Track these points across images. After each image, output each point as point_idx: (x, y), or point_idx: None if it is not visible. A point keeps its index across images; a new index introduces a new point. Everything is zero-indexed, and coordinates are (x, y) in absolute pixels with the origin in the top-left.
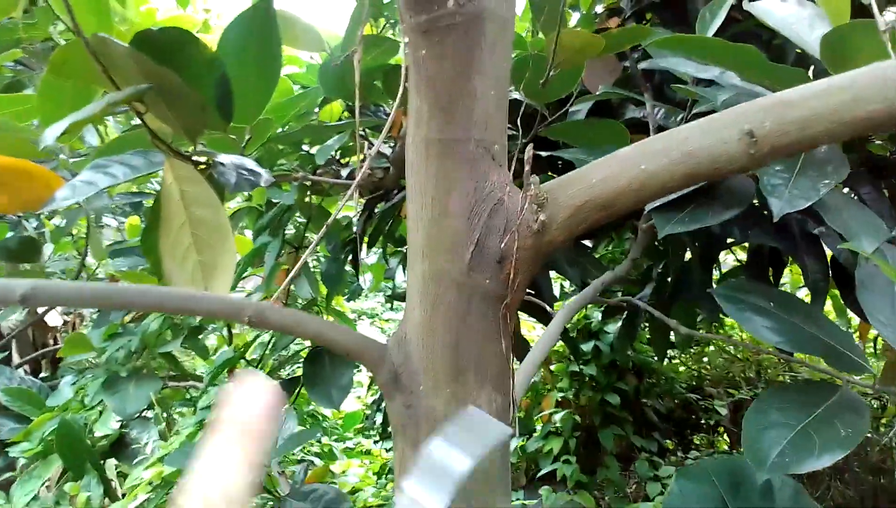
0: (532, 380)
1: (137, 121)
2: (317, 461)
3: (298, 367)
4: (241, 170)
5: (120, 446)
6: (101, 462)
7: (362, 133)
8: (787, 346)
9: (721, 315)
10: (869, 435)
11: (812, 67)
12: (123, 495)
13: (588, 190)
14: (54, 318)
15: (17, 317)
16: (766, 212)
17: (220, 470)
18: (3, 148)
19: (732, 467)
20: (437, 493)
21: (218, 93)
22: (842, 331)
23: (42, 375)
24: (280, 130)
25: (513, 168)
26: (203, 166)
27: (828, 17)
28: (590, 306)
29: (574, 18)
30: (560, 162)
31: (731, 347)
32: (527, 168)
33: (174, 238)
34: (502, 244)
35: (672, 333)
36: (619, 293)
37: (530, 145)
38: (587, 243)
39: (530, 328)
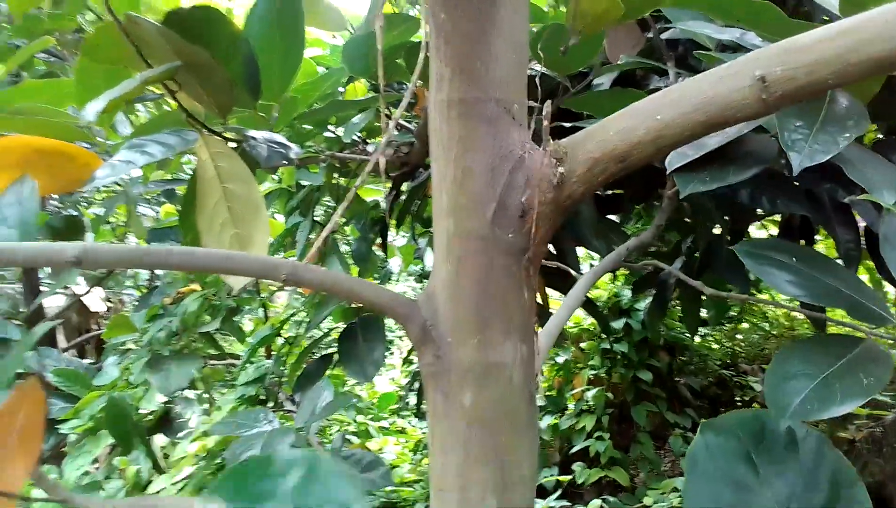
0: (556, 341)
1: (167, 108)
2: (354, 439)
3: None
4: (271, 144)
5: (165, 422)
6: (148, 437)
7: (387, 110)
8: (810, 299)
9: (753, 291)
10: None
11: None
12: (170, 467)
13: (605, 143)
14: (97, 303)
15: (59, 303)
16: (796, 183)
17: None
18: (43, 131)
19: (756, 420)
20: None
21: (246, 71)
22: (865, 286)
23: (87, 360)
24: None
25: (531, 131)
26: (235, 144)
27: None
28: (620, 283)
29: None
30: None
31: (766, 324)
32: (545, 124)
33: (211, 214)
34: (523, 199)
35: (704, 310)
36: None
37: (548, 102)
38: (614, 218)
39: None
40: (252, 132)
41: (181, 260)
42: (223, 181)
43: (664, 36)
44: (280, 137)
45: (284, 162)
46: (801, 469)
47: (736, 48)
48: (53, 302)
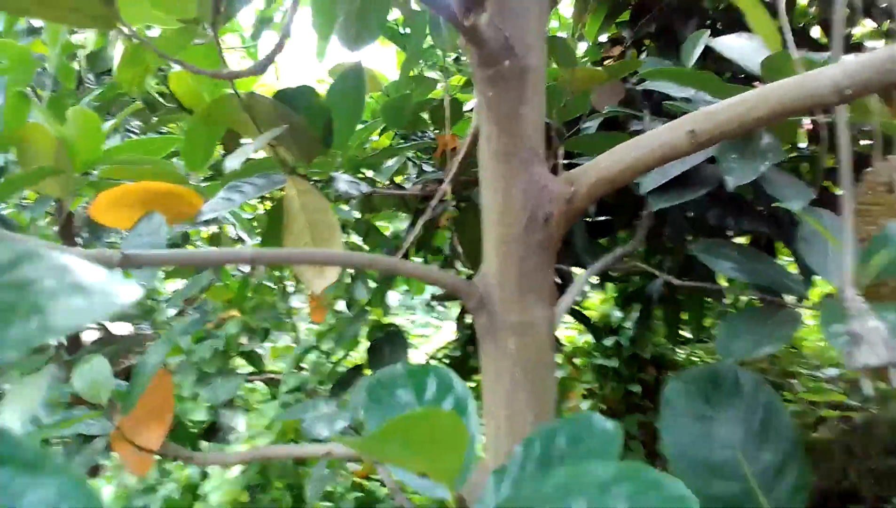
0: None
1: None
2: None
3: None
4: (348, 182)
5: (213, 431)
6: (198, 443)
7: (412, 156)
8: (744, 278)
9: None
10: (876, 412)
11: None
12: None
13: (599, 172)
14: (123, 327)
15: (92, 337)
16: (760, 208)
17: None
18: (148, 176)
19: (711, 370)
20: None
21: (324, 129)
22: (787, 271)
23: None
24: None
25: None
26: (314, 182)
27: (767, 46)
28: (610, 305)
29: (582, 48)
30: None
31: None
32: (559, 162)
33: (296, 236)
34: (547, 211)
35: (685, 326)
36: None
37: (562, 148)
38: (602, 241)
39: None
40: (334, 173)
41: (321, 258)
42: (307, 212)
43: (640, 87)
44: (351, 178)
45: (357, 194)
46: (743, 402)
47: (691, 101)
48: (87, 336)
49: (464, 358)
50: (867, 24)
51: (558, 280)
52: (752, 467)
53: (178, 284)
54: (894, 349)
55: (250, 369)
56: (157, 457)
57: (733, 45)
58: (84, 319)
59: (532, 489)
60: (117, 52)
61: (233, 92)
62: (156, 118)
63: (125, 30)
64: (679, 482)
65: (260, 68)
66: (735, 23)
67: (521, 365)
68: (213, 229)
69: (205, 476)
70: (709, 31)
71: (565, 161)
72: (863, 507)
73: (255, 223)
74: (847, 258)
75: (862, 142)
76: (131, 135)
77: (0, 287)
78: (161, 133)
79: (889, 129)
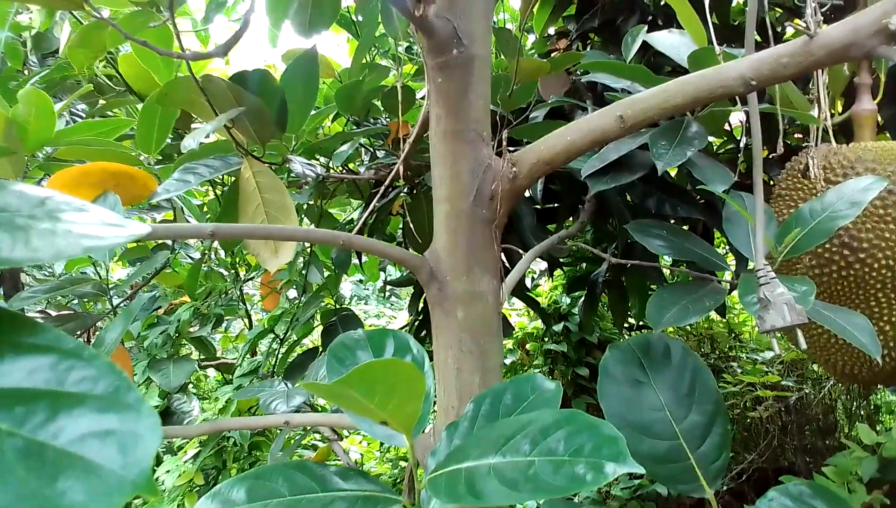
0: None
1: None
2: (320, 444)
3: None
4: (304, 165)
5: (167, 415)
6: None
7: (364, 142)
8: (672, 255)
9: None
10: (809, 391)
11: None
12: (177, 451)
13: (538, 153)
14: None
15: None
16: (698, 196)
17: None
18: (104, 157)
19: (644, 339)
20: None
21: (279, 112)
22: (712, 248)
23: None
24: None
25: (494, 149)
26: (270, 165)
27: (694, 42)
28: (558, 290)
29: (530, 40)
30: None
31: (688, 326)
32: (504, 144)
33: (251, 216)
34: (492, 188)
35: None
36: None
37: (506, 131)
38: (550, 227)
39: (508, 314)
40: (290, 155)
41: (280, 233)
42: (262, 192)
43: (584, 79)
44: (305, 161)
45: (312, 176)
46: (673, 367)
47: (628, 91)
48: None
49: (417, 340)
50: (798, 22)
51: (507, 264)
52: (680, 426)
53: (124, 272)
54: (798, 313)
55: (203, 356)
56: None
57: (665, 41)
58: (108, 243)
59: (481, 436)
60: (64, 33)
61: (189, 74)
62: (103, 101)
63: (93, 11)
64: (610, 425)
65: (223, 50)
66: (673, 18)
67: (469, 332)
68: (163, 215)
69: (159, 460)
70: (646, 27)
71: (513, 148)
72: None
73: (205, 209)
74: (759, 235)
75: (797, 136)
76: (77, 119)
77: (37, 217)
78: (107, 116)
79: (806, 120)
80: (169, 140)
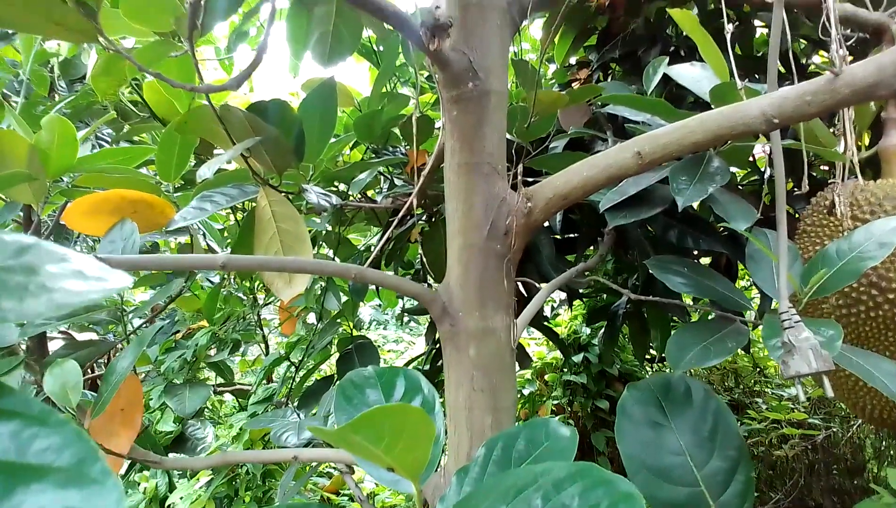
0: (527, 391)
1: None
2: (334, 471)
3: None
4: (319, 194)
5: (181, 441)
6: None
7: (383, 170)
8: (693, 293)
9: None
10: (836, 430)
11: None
12: (190, 478)
13: (555, 188)
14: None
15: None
16: (721, 228)
17: None
18: (123, 185)
19: (664, 379)
20: None
21: (296, 142)
22: (734, 287)
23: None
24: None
25: (509, 182)
26: (285, 193)
27: (716, 75)
28: (578, 321)
29: (551, 69)
30: None
31: None
32: (519, 178)
33: (266, 246)
34: (506, 222)
35: (650, 339)
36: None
37: (521, 165)
38: (570, 257)
39: (526, 344)
40: (305, 185)
41: (292, 266)
42: (277, 222)
43: (604, 110)
44: (322, 190)
45: (327, 206)
46: (694, 410)
47: (648, 124)
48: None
49: (433, 371)
50: (824, 55)
51: (525, 293)
52: (701, 472)
53: (146, 295)
54: (824, 359)
55: (220, 380)
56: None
57: (686, 74)
58: (83, 299)
59: (491, 486)
60: (91, 60)
61: (208, 103)
62: (128, 126)
63: (106, 43)
64: (627, 480)
65: (236, 83)
66: (696, 49)
67: (482, 369)
68: (183, 239)
69: (172, 486)
70: (668, 59)
71: (532, 179)
72: None
73: (225, 234)
74: (783, 275)
75: (823, 168)
76: (103, 143)
77: (10, 270)
78: (132, 142)
79: (831, 156)
80: (192, 165)
